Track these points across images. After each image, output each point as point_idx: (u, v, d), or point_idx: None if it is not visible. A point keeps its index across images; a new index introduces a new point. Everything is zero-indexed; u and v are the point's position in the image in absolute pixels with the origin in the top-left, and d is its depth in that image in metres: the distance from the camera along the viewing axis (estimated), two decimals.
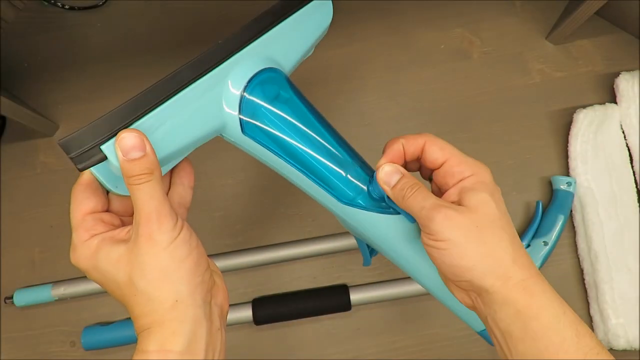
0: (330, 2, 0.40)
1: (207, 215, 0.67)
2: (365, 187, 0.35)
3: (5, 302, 0.64)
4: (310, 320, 0.62)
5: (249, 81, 0.33)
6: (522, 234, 0.62)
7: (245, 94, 0.33)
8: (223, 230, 0.67)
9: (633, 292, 0.57)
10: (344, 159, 0.35)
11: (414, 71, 0.72)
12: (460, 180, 0.31)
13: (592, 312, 0.59)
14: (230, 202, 0.68)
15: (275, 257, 0.63)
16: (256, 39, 0.34)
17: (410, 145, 0.33)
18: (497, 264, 0.28)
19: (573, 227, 0.63)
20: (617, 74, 0.66)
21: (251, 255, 0.63)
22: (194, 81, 0.30)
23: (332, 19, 0.42)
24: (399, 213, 0.35)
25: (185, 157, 0.34)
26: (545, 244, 0.60)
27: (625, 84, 0.64)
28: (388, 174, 0.33)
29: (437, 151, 0.32)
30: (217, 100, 0.32)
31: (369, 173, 0.36)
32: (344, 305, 0.60)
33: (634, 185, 0.62)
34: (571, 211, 0.63)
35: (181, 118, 0.30)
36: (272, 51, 0.35)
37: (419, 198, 0.30)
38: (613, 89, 0.66)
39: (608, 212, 0.60)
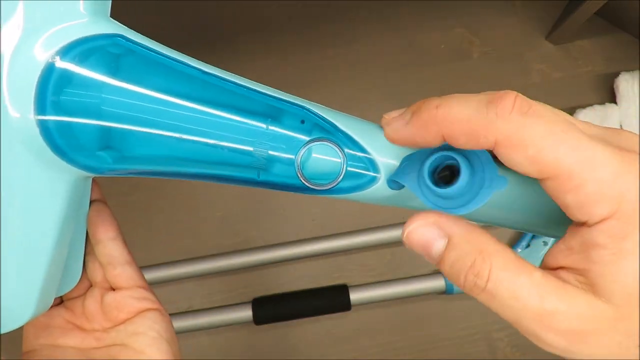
0: None
1: (207, 215, 0.67)
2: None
3: None
4: (310, 320, 0.62)
5: (40, 100, 0.19)
6: (521, 235, 0.63)
7: (47, 118, 0.19)
8: (223, 230, 0.67)
9: None
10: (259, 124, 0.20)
11: (414, 71, 0.72)
12: (584, 225, 0.15)
13: None
14: (230, 202, 0.68)
15: (275, 257, 0.63)
16: None
17: (458, 133, 0.16)
18: None
19: None
20: (617, 74, 0.66)
21: (251, 255, 0.63)
22: None
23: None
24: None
25: (92, 204, 0.26)
26: (545, 244, 0.61)
27: (625, 84, 0.64)
28: (418, 238, 0.17)
29: (524, 162, 0.15)
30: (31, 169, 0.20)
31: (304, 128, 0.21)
32: (344, 305, 0.60)
33: None
34: None
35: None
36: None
37: (500, 292, 0.16)
38: (613, 89, 0.66)
39: None
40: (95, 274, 0.28)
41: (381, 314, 0.62)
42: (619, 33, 0.72)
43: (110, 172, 0.22)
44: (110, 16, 0.22)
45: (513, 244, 0.64)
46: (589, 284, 0.15)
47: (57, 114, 0.19)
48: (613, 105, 0.65)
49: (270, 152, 0.20)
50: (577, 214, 0.15)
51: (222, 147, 0.20)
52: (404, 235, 0.17)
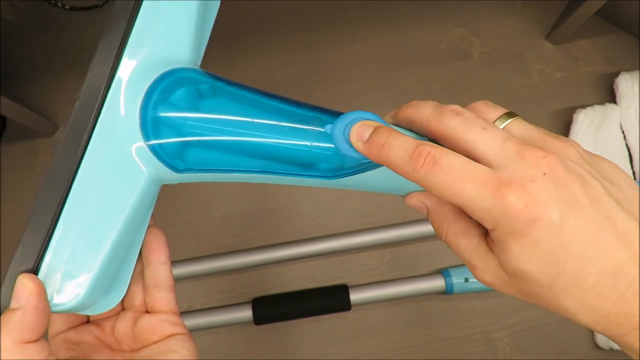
0: None
1: (207, 215, 0.67)
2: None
3: None
4: (310, 320, 0.62)
5: (143, 110, 0.24)
6: None
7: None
8: (223, 230, 0.67)
9: None
10: (302, 126, 0.26)
11: (414, 71, 0.72)
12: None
13: None
14: (230, 202, 0.68)
15: (275, 257, 0.63)
16: (121, 53, 0.25)
17: (395, 169, 0.23)
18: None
19: None
20: (617, 74, 0.66)
21: (251, 255, 0.63)
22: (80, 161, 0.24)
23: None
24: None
25: (150, 228, 0.29)
26: None
27: (625, 84, 0.64)
28: (413, 204, 0.27)
29: (440, 196, 0.22)
30: (122, 161, 0.24)
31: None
32: (344, 305, 0.60)
33: None
34: None
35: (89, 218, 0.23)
36: (152, 51, 0.26)
37: (452, 246, 0.24)
38: (613, 89, 0.66)
39: None
40: (135, 297, 0.29)
41: (381, 314, 0.62)
42: (619, 33, 0.72)
43: (189, 172, 0.26)
44: None
45: None
46: (498, 258, 0.22)
47: (158, 137, 0.25)
48: (613, 105, 0.65)
49: (318, 144, 0.26)
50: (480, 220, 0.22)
51: (283, 145, 0.26)
52: (406, 202, 0.27)
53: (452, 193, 0.21)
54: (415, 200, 0.26)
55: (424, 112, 0.24)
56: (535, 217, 0.19)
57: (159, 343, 0.28)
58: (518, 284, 0.21)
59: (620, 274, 0.19)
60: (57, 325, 0.28)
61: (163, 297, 0.29)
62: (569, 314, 0.20)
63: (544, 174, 0.20)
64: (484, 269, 0.23)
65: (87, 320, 0.29)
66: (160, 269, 0.29)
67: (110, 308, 0.27)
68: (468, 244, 0.23)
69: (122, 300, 0.29)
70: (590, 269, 0.19)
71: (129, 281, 0.28)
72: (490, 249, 0.22)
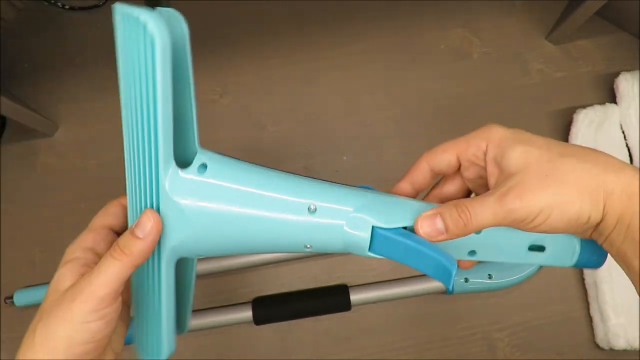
0: None
1: None
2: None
3: (6, 302, 0.64)
4: (310, 320, 0.62)
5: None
6: None
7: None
8: None
9: (633, 291, 0.57)
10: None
11: (414, 71, 0.72)
12: (486, 163, 0.28)
13: (592, 312, 0.59)
14: None
15: (275, 257, 0.63)
16: None
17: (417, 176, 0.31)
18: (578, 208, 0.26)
19: None
20: (617, 74, 0.66)
21: (251, 255, 0.63)
22: None
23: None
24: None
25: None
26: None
27: (625, 84, 0.64)
28: (429, 225, 0.27)
29: (444, 158, 0.30)
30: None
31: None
32: (344, 305, 0.60)
33: None
34: None
35: None
36: None
37: (477, 216, 0.26)
38: (613, 89, 0.66)
39: None
40: None
41: (381, 314, 0.62)
42: (619, 33, 0.72)
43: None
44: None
45: None
46: (506, 173, 0.27)
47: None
48: (613, 105, 0.65)
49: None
50: (480, 150, 0.29)
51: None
52: (419, 229, 0.27)
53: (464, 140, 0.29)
54: (427, 220, 0.27)
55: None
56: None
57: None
58: (528, 171, 0.26)
59: (594, 152, 0.29)
60: (114, 221, 0.30)
61: None
62: (585, 179, 0.26)
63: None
64: (515, 194, 0.25)
65: None
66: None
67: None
68: (486, 204, 0.26)
69: None
70: (570, 150, 0.28)
71: None
72: (500, 184, 0.27)
